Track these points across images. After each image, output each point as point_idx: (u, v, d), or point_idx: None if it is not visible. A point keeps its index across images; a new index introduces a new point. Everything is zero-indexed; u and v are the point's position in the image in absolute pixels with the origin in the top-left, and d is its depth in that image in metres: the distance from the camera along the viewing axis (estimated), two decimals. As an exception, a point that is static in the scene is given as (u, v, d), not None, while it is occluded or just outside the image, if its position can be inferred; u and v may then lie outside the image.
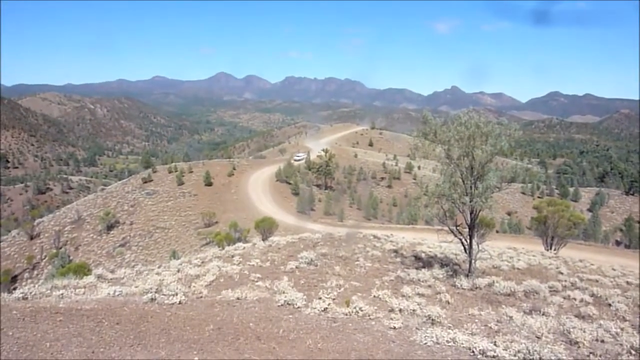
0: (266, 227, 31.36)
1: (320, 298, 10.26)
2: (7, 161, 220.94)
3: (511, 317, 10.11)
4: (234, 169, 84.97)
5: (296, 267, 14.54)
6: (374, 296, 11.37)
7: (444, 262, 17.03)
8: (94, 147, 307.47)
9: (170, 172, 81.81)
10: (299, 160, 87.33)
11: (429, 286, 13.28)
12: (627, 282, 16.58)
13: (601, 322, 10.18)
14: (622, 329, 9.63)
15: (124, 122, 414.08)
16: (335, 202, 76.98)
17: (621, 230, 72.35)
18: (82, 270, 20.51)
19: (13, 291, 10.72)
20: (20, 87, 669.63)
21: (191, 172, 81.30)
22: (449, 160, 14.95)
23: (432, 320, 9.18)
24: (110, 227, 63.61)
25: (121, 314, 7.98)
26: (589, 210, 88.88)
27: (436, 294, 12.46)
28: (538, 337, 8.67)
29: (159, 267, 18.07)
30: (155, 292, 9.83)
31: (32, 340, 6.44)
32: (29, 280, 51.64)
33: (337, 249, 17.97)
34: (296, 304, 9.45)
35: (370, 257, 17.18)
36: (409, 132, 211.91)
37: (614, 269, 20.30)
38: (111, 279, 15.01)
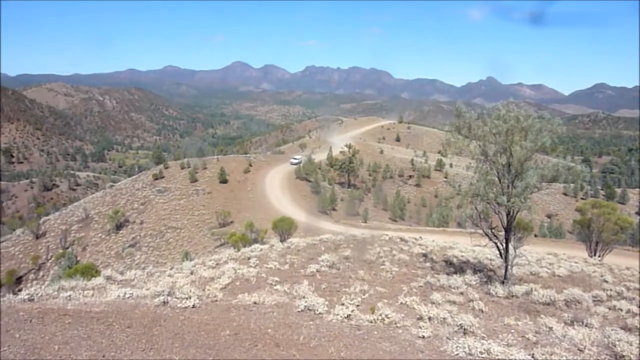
0: (284, 228, 31.51)
1: (343, 304, 10.30)
2: (12, 156, 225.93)
3: (551, 328, 10.00)
4: (251, 165, 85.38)
5: (317, 271, 14.62)
6: (401, 303, 11.37)
7: (478, 268, 16.90)
8: (103, 141, 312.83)
9: (182, 168, 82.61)
10: (295, 163, 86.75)
11: (461, 293, 13.21)
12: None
13: (650, 335, 9.98)
14: (673, 343, 9.42)
15: (134, 115, 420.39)
16: (358, 201, 76.89)
17: (675, 235, 70.56)
18: (90, 271, 20.95)
19: (18, 292, 11.01)
20: (25, 77, 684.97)
21: (205, 168, 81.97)
22: (484, 157, 14.82)
23: (464, 329, 9.14)
24: (119, 227, 64.61)
25: (132, 317, 8.15)
26: (638, 213, 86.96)
27: (469, 302, 12.38)
28: (580, 350, 8.56)
29: (171, 269, 18.33)
30: (168, 295, 10.00)
31: (39, 342, 6.62)
32: (35, 282, 52.86)
33: (361, 252, 17.99)
34: (317, 310, 9.51)
35: (397, 261, 17.15)
36: (440, 126, 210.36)
37: (666, 278, 19.83)
38: (121, 280, 15.30)
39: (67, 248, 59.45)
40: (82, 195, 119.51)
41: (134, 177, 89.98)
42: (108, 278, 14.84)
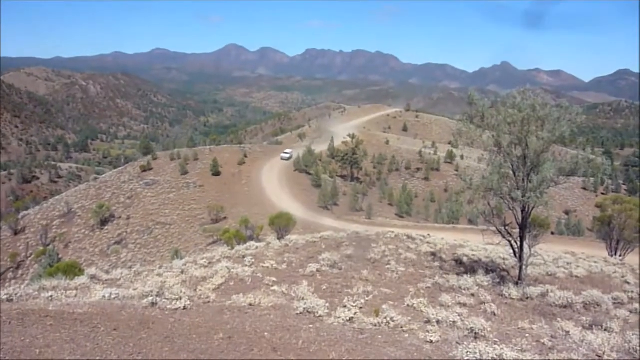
0: (282, 224, 31.50)
1: (345, 306, 10.35)
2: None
3: (568, 333, 10.04)
4: (246, 156, 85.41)
5: (317, 271, 14.66)
6: (408, 305, 11.42)
7: (490, 268, 16.94)
8: (86, 130, 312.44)
9: (172, 159, 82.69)
10: (286, 158, 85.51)
11: (472, 295, 13.26)
12: None
13: (675, 340, 10.02)
14: (699, 349, 9.46)
15: (120, 102, 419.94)
16: (362, 196, 76.97)
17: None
18: (73, 270, 20.93)
19: (-4, 292, 11.03)
20: (2, 61, 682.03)
21: (196, 159, 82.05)
22: (498, 149, 14.82)
23: (476, 334, 9.18)
24: (104, 222, 64.75)
25: (119, 319, 8.19)
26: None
27: (480, 304, 12.43)
28: (599, 356, 8.61)
29: (160, 268, 18.39)
30: (157, 296, 10.05)
31: (19, 346, 6.66)
32: (13, 281, 53.09)
33: (365, 251, 18.03)
34: (317, 313, 9.56)
35: (404, 260, 17.19)
36: (450, 115, 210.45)
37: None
38: (106, 280, 15.37)
39: (48, 245, 59.60)
40: (64, 189, 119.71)
41: (120, 168, 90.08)
42: (92, 277, 14.90)
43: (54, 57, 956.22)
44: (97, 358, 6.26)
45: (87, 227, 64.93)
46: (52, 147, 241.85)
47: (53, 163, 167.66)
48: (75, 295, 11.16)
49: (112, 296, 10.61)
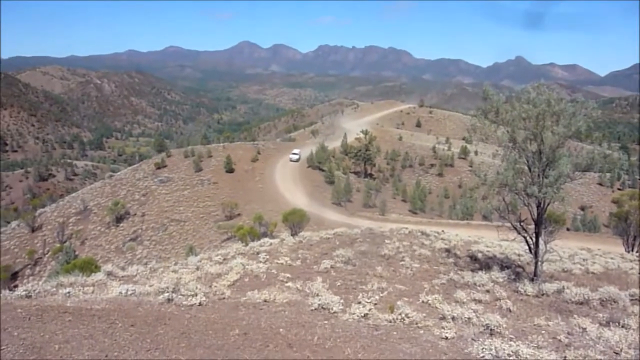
0: (296, 221, 31.62)
1: (359, 302, 10.36)
2: (5, 144, 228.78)
3: (584, 329, 9.97)
4: (259, 153, 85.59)
5: (331, 267, 14.69)
6: (423, 301, 11.41)
7: (505, 264, 16.86)
8: (101, 128, 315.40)
9: (186, 156, 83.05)
10: (295, 160, 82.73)
11: (487, 291, 13.20)
12: None
13: (693, 337, 9.91)
14: None
15: (134, 99, 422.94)
16: (375, 192, 76.81)
17: None
18: (89, 266, 21.16)
19: (14, 288, 11.18)
20: (18, 60, 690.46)
21: (210, 156, 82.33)
22: (512, 144, 14.73)
23: (491, 330, 9.15)
24: (119, 219, 65.23)
25: (135, 315, 8.27)
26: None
27: (495, 300, 12.38)
28: (616, 353, 8.53)
29: (175, 265, 18.53)
30: (172, 292, 10.13)
31: (39, 341, 6.75)
32: (31, 277, 53.67)
33: (379, 247, 18.02)
34: (332, 309, 9.58)
35: (418, 256, 17.16)
36: (464, 110, 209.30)
37: None
38: (122, 276, 15.51)
39: (65, 242, 60.16)
40: (79, 186, 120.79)
41: (134, 166, 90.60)
42: (109, 274, 15.05)
43: (68, 56, 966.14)
44: (115, 353, 6.33)
45: (103, 224, 65.45)
46: (67, 145, 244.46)
47: (69, 161, 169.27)
48: (92, 292, 11.27)
49: (129, 292, 10.71)
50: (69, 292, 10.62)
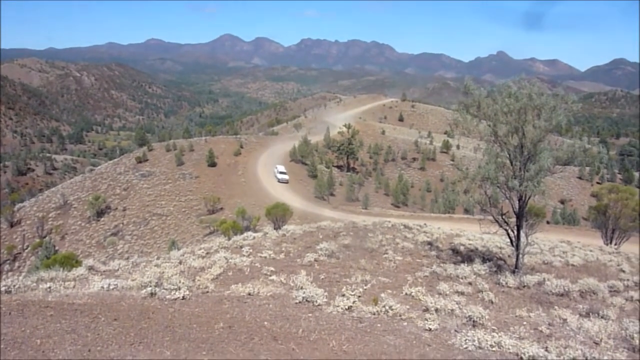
0: (279, 215, 31.57)
1: (343, 295, 10.40)
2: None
3: (565, 320, 10.13)
4: (241, 147, 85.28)
5: (315, 260, 14.72)
6: (406, 294, 11.49)
7: (487, 257, 17.03)
8: (81, 122, 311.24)
9: (168, 150, 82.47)
10: (284, 180, 68.43)
11: (470, 283, 13.34)
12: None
13: (670, 327, 10.13)
14: (694, 335, 9.57)
15: (114, 93, 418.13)
16: (358, 186, 77.04)
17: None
18: (70, 261, 20.94)
19: (-7, 284, 11.03)
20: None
21: (192, 150, 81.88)
22: (494, 138, 14.86)
23: (474, 321, 9.25)
24: (100, 214, 64.63)
25: (118, 309, 8.21)
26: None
27: (478, 293, 12.52)
28: (596, 343, 8.70)
29: (157, 259, 18.42)
30: (155, 286, 10.07)
31: (20, 336, 6.67)
32: (10, 273, 52.98)
33: (362, 240, 18.09)
34: (316, 301, 9.61)
35: (401, 249, 17.26)
36: (446, 104, 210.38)
37: (686, 267, 20.05)
38: (104, 271, 15.38)
39: (45, 237, 59.45)
40: (59, 180, 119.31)
41: (115, 160, 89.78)
42: (90, 268, 14.93)
43: (47, 48, 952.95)
44: (99, 348, 6.29)
45: (83, 219, 64.80)
46: (46, 139, 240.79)
47: (48, 155, 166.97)
48: (74, 286, 11.17)
49: (111, 287, 10.63)
50: (49, 287, 10.52)
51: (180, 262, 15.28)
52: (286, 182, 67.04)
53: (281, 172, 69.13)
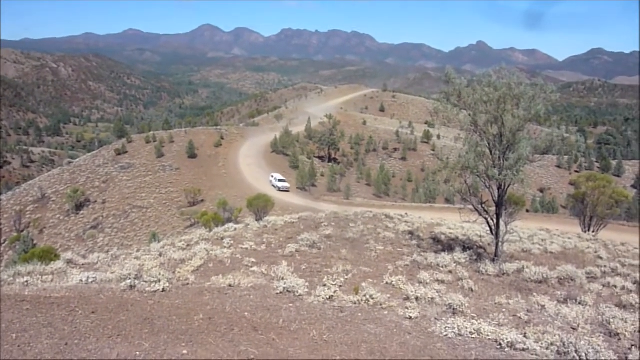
0: (260, 206, 31.44)
1: (324, 285, 10.43)
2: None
3: (543, 307, 10.27)
4: (222, 138, 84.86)
5: (296, 251, 14.72)
6: (387, 283, 11.54)
7: (467, 245, 17.18)
8: (58, 114, 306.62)
9: (147, 142, 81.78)
10: (285, 188, 60.71)
11: (450, 272, 13.46)
12: (677, 268, 16.73)
13: (645, 311, 10.34)
14: (669, 320, 9.77)
15: (92, 84, 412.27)
16: (340, 177, 77.09)
17: (671, 209, 72.45)
18: (49, 255, 20.64)
19: (-31, 279, 10.86)
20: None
21: (172, 142, 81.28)
22: (474, 127, 14.95)
23: (454, 309, 9.33)
24: (79, 207, 63.94)
25: (97, 302, 8.12)
26: (634, 186, 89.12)
27: (458, 281, 12.64)
28: (574, 329, 8.83)
29: (137, 251, 18.28)
30: (135, 279, 9.98)
31: (-4, 331, 6.55)
32: (-13, 267, 52.25)
33: (344, 230, 18.13)
34: (297, 292, 9.61)
35: (382, 239, 17.33)
36: (427, 94, 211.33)
37: (661, 253, 20.46)
38: (83, 264, 15.22)
39: (22, 231, 58.61)
40: (37, 173, 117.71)
41: (94, 152, 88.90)
42: (69, 262, 14.77)
43: (22, 39, 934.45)
44: (76, 341, 6.20)
45: (62, 212, 64.06)
46: (23, 132, 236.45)
47: (25, 147, 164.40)
48: (52, 280, 11.02)
49: (90, 280, 10.51)
50: (27, 281, 10.36)
51: (160, 255, 15.19)
52: (287, 190, 59.88)
53: (280, 180, 62.16)
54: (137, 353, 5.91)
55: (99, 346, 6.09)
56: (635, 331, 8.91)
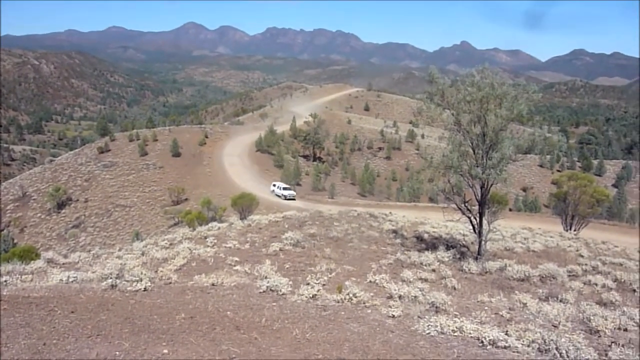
0: (245, 205, 31.36)
1: (308, 284, 10.39)
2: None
3: (525, 304, 10.34)
4: (207, 137, 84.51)
5: (280, 250, 14.68)
6: (370, 281, 11.54)
7: (450, 244, 17.26)
8: (40, 111, 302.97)
9: (131, 140, 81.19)
10: (291, 196, 57.64)
11: (433, 270, 13.51)
12: (656, 266, 16.99)
13: (624, 309, 10.50)
14: (647, 317, 9.92)
15: (75, 81, 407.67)
16: (325, 176, 77.16)
17: (649, 208, 73.57)
18: (29, 254, 20.41)
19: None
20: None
21: (156, 140, 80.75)
22: (457, 127, 15.03)
23: (437, 307, 9.35)
24: (61, 206, 63.28)
25: (76, 301, 8.01)
26: (614, 185, 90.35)
27: (441, 279, 12.69)
28: (555, 326, 8.89)
29: (119, 250, 18.13)
30: (116, 278, 9.86)
31: (-28, 331, 6.44)
32: (-33, 267, 51.43)
33: (328, 229, 18.12)
34: (281, 291, 9.56)
35: (366, 238, 17.36)
36: (411, 94, 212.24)
37: (640, 252, 20.79)
38: (64, 263, 15.06)
39: (3, 230, 57.83)
40: (17, 171, 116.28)
41: (76, 150, 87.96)
42: (49, 261, 14.61)
43: (3, 35, 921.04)
44: (54, 341, 6.11)
45: (43, 211, 63.34)
46: (4, 129, 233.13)
47: (5, 145, 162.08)
48: (32, 280, 10.87)
49: (70, 279, 10.37)
50: (5, 281, 10.22)
51: (143, 254, 15.08)
52: (293, 198, 56.86)
53: (285, 188, 59.06)
54: (117, 353, 5.84)
55: (78, 346, 6.01)
56: (615, 328, 9.02)
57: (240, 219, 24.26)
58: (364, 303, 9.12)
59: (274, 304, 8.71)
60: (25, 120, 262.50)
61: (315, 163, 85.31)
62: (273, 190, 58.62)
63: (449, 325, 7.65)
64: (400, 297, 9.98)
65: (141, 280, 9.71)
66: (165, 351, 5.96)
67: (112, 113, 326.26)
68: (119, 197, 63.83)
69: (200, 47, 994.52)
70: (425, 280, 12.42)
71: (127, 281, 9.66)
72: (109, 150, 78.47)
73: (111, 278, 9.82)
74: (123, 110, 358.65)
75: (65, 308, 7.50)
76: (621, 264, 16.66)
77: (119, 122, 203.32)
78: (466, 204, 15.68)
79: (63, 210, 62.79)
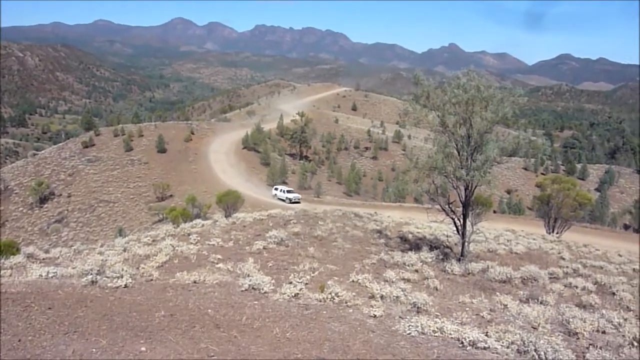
0: (230, 202, 31.31)
1: (290, 282, 10.36)
2: None
3: (506, 306, 10.42)
4: (193, 133, 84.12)
5: (264, 248, 14.63)
6: (353, 281, 11.54)
7: (434, 245, 17.34)
8: (24, 104, 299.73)
9: (116, 135, 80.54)
10: (296, 199, 55.05)
11: (416, 271, 13.55)
12: (634, 270, 17.28)
13: (603, 311, 10.66)
14: (625, 320, 10.08)
15: (60, 75, 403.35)
16: (311, 174, 77.17)
17: (630, 212, 74.62)
18: (9, 249, 20.15)
19: None
20: None
21: (141, 135, 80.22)
22: (443, 128, 15.10)
23: (418, 308, 9.38)
24: (43, 200, 62.63)
25: (54, 297, 7.92)
26: (597, 189, 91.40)
27: (423, 280, 12.73)
28: (534, 328, 8.97)
29: (101, 246, 17.98)
30: (97, 274, 9.77)
31: (-54, 327, 6.34)
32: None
33: (312, 228, 18.10)
34: (263, 289, 9.52)
35: (350, 237, 17.38)
36: (399, 95, 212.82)
37: (620, 255, 21.13)
38: (44, 259, 14.88)
39: (-17, 223, 57.23)
40: None
41: (60, 144, 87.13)
42: (29, 256, 14.44)
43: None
44: (30, 337, 6.03)
45: (25, 205, 62.65)
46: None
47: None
48: (10, 275, 10.75)
49: (50, 275, 10.26)
50: (-17, 276, 10.07)
51: (124, 250, 14.95)
52: (299, 201, 53.86)
53: (289, 191, 56.65)
54: (94, 350, 5.78)
55: (54, 342, 5.94)
56: (593, 331, 9.13)
57: (225, 216, 24.19)
58: (346, 302, 9.12)
59: (256, 302, 8.68)
60: (8, 113, 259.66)
61: (301, 162, 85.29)
62: (275, 194, 56.28)
63: (429, 326, 7.67)
64: (382, 297, 9.99)
65: (122, 276, 9.63)
66: (143, 349, 5.91)
67: (98, 107, 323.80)
68: (103, 193, 63.33)
69: (188, 43, 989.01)
70: (408, 280, 12.46)
71: (108, 277, 9.57)
72: (94, 144, 77.78)
73: (91, 274, 9.73)
74: (109, 105, 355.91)
75: (42, 304, 7.41)
76: (602, 267, 16.89)
77: (104, 117, 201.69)
78: (450, 205, 15.77)
79: (45, 205, 62.17)
